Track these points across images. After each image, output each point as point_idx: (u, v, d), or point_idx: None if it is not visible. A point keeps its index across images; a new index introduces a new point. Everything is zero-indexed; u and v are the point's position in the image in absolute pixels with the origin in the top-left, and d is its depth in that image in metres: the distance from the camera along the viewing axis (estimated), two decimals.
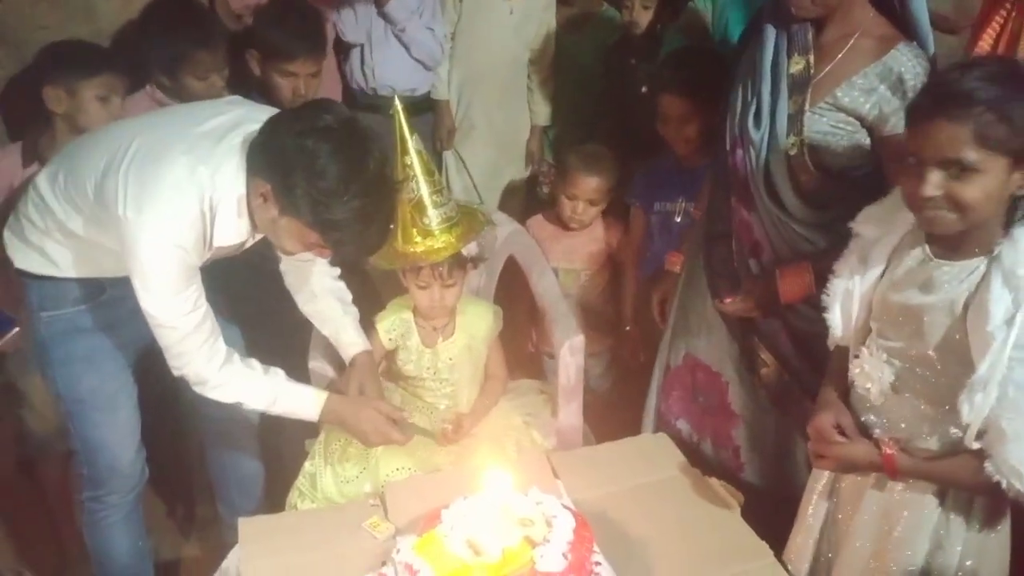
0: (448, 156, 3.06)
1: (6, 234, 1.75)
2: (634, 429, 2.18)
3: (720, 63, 2.23)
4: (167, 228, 1.50)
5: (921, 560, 1.41)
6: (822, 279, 1.54)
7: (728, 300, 1.84)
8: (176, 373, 1.67)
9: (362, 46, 2.80)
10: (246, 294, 1.97)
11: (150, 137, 1.57)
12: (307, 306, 1.93)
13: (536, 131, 3.09)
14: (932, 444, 1.37)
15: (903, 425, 1.40)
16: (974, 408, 1.24)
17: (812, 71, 1.65)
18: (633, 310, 2.53)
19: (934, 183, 1.24)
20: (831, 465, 1.48)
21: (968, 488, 1.36)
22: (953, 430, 1.33)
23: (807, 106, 1.64)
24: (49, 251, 1.69)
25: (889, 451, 1.39)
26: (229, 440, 2.09)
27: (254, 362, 1.73)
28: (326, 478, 1.88)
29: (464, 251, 1.85)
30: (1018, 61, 1.25)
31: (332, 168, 1.44)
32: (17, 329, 1.18)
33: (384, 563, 1.49)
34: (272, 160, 1.48)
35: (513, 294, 2.43)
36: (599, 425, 2.23)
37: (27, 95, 2.04)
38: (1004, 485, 1.25)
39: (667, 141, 2.31)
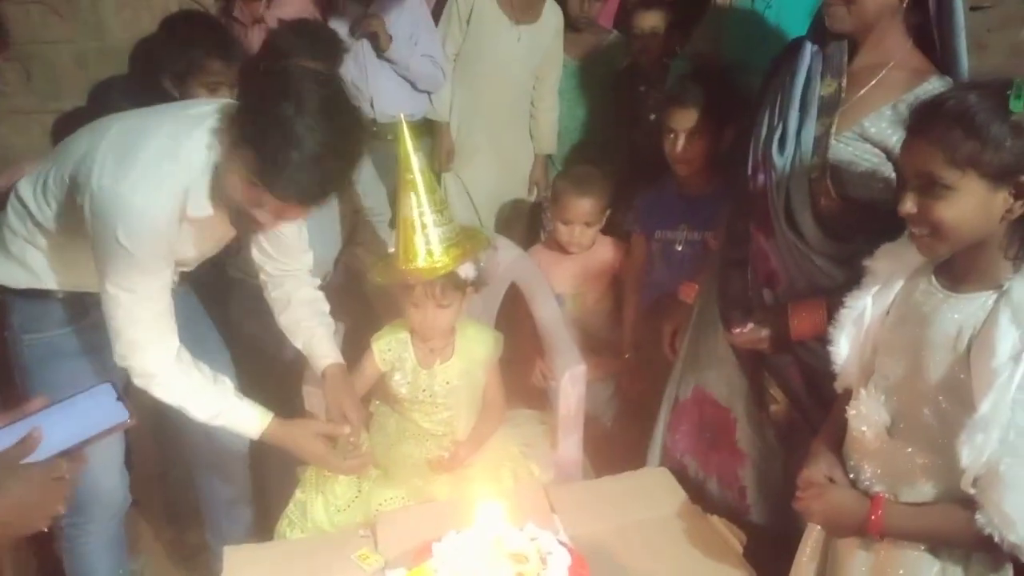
0: (449, 179, 3.03)
1: None
2: (637, 462, 2.12)
3: (728, 87, 2.22)
4: (146, 199, 1.46)
5: None
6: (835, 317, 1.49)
7: (737, 331, 1.79)
8: (120, 363, 1.60)
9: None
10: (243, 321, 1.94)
11: (134, 119, 1.56)
12: (281, 316, 1.89)
13: (540, 160, 3.06)
14: (925, 495, 1.30)
15: (895, 473, 1.33)
16: (973, 450, 1.18)
17: (843, 95, 1.62)
18: (633, 338, 2.48)
19: (909, 201, 1.22)
20: (819, 519, 1.42)
21: (959, 542, 1.28)
22: (948, 480, 1.26)
23: (834, 130, 1.61)
24: (30, 261, 1.67)
25: (878, 499, 1.32)
26: (216, 466, 2.04)
27: (204, 367, 1.67)
28: (316, 507, 1.83)
29: (462, 273, 1.81)
30: (999, 79, 1.21)
31: (309, 137, 1.38)
32: (129, 419, 1.16)
33: None
34: (249, 126, 1.43)
35: (517, 321, 2.39)
36: (601, 457, 2.18)
37: None
38: (996, 538, 1.18)
39: (671, 161, 2.28)
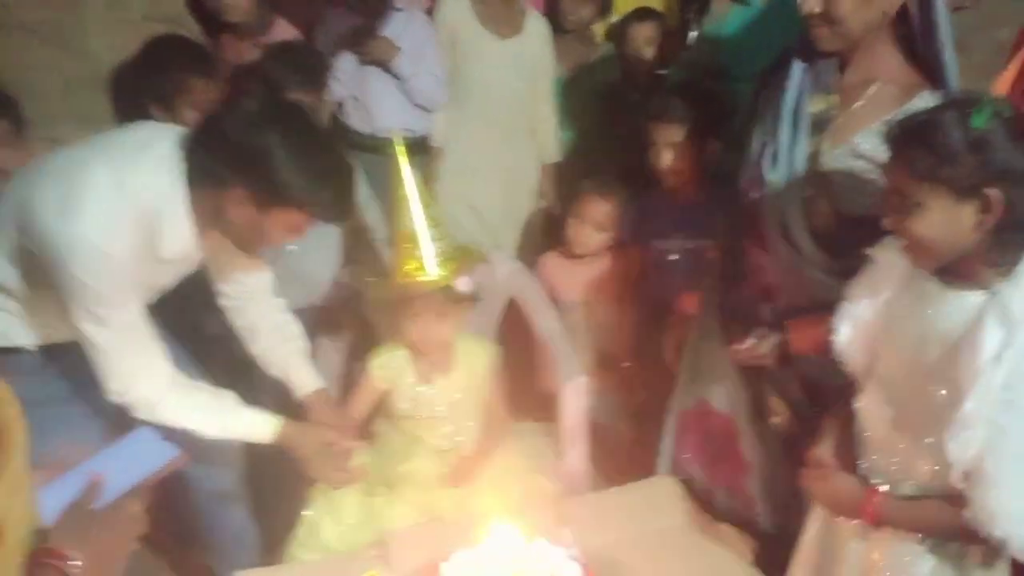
0: (456, 203, 2.97)
1: None
2: (647, 472, 2.12)
3: (716, 99, 2.23)
4: (98, 235, 1.43)
5: None
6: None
7: (737, 347, 1.79)
8: (117, 399, 1.57)
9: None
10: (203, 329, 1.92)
11: (67, 155, 1.54)
12: (252, 346, 1.88)
13: (547, 170, 3.05)
14: (925, 488, 1.33)
15: (895, 466, 1.36)
16: (959, 446, 1.21)
17: (834, 112, 1.61)
18: (630, 348, 2.48)
19: (889, 217, 1.26)
20: (820, 499, 1.47)
21: (952, 536, 1.31)
22: (946, 474, 1.27)
23: (826, 147, 1.61)
24: None
25: (875, 490, 1.36)
26: (220, 494, 2.01)
27: (203, 385, 1.67)
28: (326, 527, 1.82)
29: (459, 287, 1.82)
30: (971, 95, 1.23)
31: (293, 145, 1.46)
32: (179, 456, 1.17)
33: None
34: (232, 161, 1.46)
35: (518, 335, 2.39)
36: (611, 467, 2.17)
37: None
38: (982, 533, 1.21)
39: (657, 172, 2.29)
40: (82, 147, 1.57)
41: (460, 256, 1.83)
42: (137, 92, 2.18)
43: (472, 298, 1.87)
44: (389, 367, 1.94)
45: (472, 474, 1.87)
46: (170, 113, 2.13)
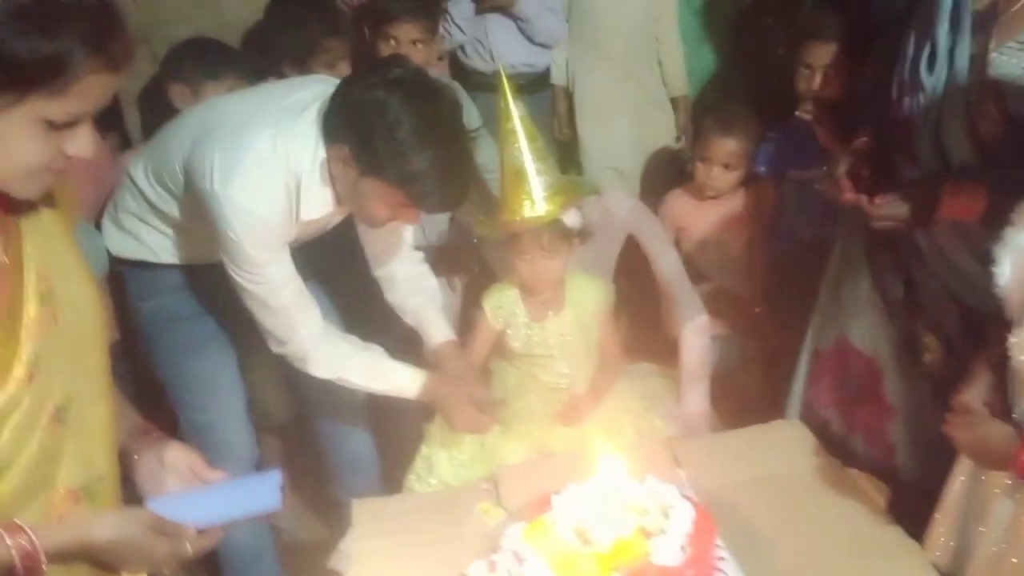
0: (588, 141, 2.92)
1: (104, 221, 1.80)
2: (774, 417, 2.01)
3: (869, 14, 2.03)
4: (253, 199, 1.51)
5: None
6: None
7: (879, 200, 1.59)
8: (276, 350, 1.67)
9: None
10: (344, 279, 1.97)
11: (234, 113, 1.59)
12: (388, 295, 1.92)
13: (680, 103, 2.92)
14: None
15: None
16: None
17: (999, 6, 1.44)
18: (763, 289, 2.35)
19: None
20: (966, 448, 1.33)
21: None
22: None
23: (992, 46, 1.44)
24: (144, 237, 1.74)
25: None
26: (341, 423, 2.09)
27: (353, 338, 1.72)
28: (441, 461, 1.86)
29: (567, 222, 1.77)
30: None
31: (406, 118, 1.43)
32: (279, 510, 1.23)
33: (495, 549, 1.43)
34: (347, 119, 1.47)
35: (637, 273, 2.32)
36: (734, 415, 2.08)
37: (157, 92, 2.13)
38: None
39: (806, 98, 2.12)
40: (252, 99, 1.67)
41: (568, 190, 1.78)
42: (270, 54, 2.22)
43: (582, 233, 1.82)
44: (502, 306, 1.93)
45: (584, 413, 1.85)
46: (303, 70, 2.14)
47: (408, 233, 1.90)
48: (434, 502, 1.70)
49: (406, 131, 1.43)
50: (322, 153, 1.53)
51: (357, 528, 1.58)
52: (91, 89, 0.89)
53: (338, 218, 1.71)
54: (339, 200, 1.59)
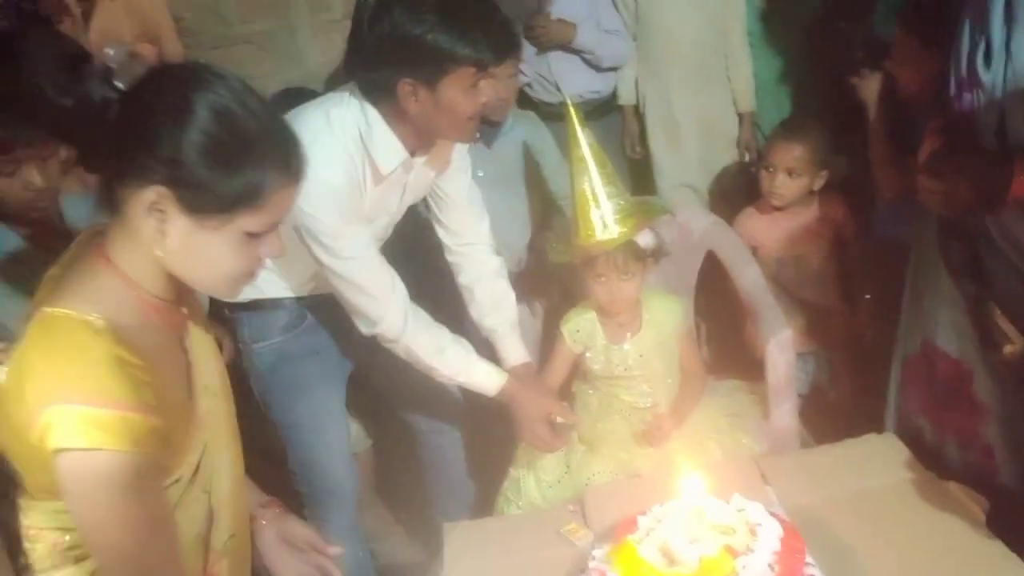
0: (661, 160, 2.91)
1: None
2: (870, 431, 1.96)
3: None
4: (318, 170, 1.47)
5: None
6: None
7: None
8: (367, 331, 1.71)
9: None
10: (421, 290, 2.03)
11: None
12: (469, 307, 1.97)
13: (744, 119, 2.90)
14: None
15: None
16: None
17: None
18: (849, 296, 2.29)
19: None
20: None
21: None
22: None
23: None
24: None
25: None
26: (442, 450, 2.15)
27: (443, 327, 1.77)
28: (529, 483, 1.90)
29: (641, 243, 1.79)
30: None
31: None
32: None
33: (583, 570, 1.46)
34: (391, 57, 1.52)
35: (721, 290, 2.30)
36: (824, 432, 2.04)
37: None
38: None
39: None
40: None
41: (639, 212, 1.80)
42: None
43: (656, 253, 1.83)
44: (580, 329, 1.95)
45: (668, 432, 1.84)
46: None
47: (483, 225, 1.94)
48: (522, 524, 1.73)
49: (447, 17, 1.49)
50: (372, 109, 1.60)
51: (449, 552, 1.62)
52: (281, 201, 1.06)
53: (409, 199, 1.77)
54: (422, 133, 1.64)
